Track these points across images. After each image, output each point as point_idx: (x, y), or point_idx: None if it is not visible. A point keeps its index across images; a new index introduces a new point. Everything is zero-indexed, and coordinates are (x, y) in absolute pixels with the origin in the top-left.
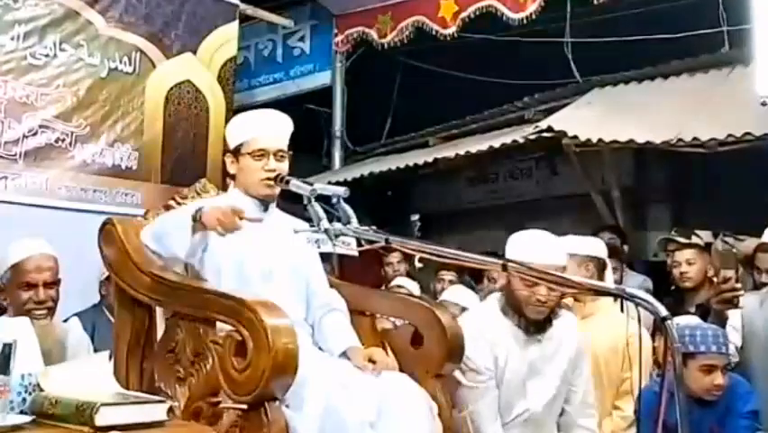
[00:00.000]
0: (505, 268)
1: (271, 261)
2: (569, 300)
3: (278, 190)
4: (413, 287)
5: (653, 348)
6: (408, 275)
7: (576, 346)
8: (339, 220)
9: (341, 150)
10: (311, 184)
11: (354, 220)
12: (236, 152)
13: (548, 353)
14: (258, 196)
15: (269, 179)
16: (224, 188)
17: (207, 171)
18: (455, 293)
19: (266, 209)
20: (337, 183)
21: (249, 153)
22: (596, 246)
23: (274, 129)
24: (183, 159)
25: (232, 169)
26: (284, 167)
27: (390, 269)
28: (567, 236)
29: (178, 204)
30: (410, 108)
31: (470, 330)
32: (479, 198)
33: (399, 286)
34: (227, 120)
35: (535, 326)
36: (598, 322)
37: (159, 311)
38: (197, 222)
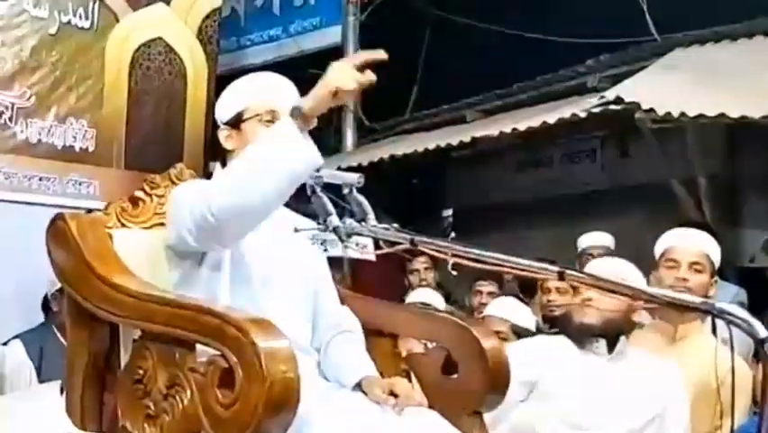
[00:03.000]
0: (562, 277)
1: (271, 265)
2: (644, 318)
3: None
4: (437, 301)
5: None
6: (439, 286)
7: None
8: (352, 216)
9: (354, 127)
10: (316, 170)
11: (371, 216)
12: (235, 123)
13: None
14: None
15: None
16: (207, 175)
17: (185, 154)
18: (504, 307)
19: None
20: (349, 169)
21: (256, 117)
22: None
23: (286, 91)
24: (153, 138)
25: (228, 144)
26: None
27: (416, 278)
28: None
29: (148, 195)
30: (442, 74)
31: None
32: (528, 187)
33: (424, 304)
34: (210, 88)
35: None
36: (687, 349)
37: (123, 331)
38: (300, 113)
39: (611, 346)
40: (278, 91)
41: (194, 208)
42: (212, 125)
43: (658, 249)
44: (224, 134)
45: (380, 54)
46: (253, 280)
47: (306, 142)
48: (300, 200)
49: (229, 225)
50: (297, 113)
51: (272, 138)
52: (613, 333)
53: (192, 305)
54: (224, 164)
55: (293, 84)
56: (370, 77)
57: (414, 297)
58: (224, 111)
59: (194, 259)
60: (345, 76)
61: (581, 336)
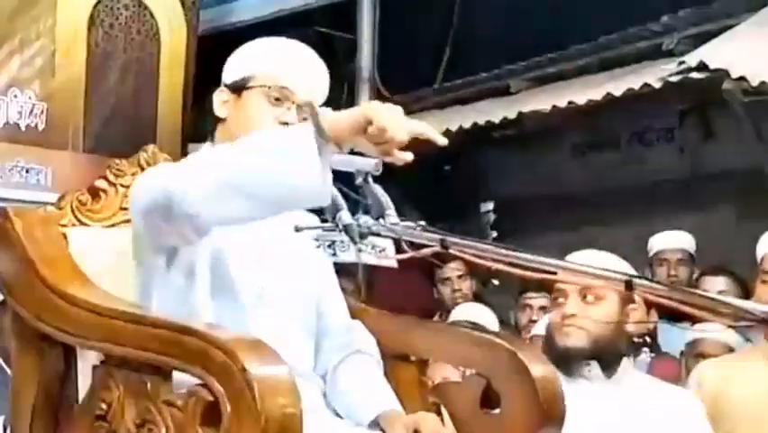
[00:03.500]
0: (630, 286)
1: (263, 274)
2: (729, 338)
3: None
4: (488, 318)
5: None
6: (476, 298)
7: None
8: (367, 211)
9: (369, 99)
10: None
11: (392, 211)
12: (238, 87)
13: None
14: None
15: None
16: None
17: (158, 133)
18: None
19: None
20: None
21: (262, 88)
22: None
23: (311, 71)
24: (119, 113)
25: (222, 110)
26: None
27: (448, 288)
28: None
29: (112, 185)
30: (480, 33)
31: None
32: (589, 176)
33: (471, 323)
34: (189, 51)
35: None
36: None
37: (81, 355)
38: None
39: (606, 368)
40: (299, 67)
41: (154, 186)
42: (192, 97)
43: (759, 254)
44: (220, 98)
45: (441, 140)
46: (240, 293)
47: (323, 167)
48: None
49: (192, 216)
50: (316, 120)
51: (282, 140)
52: (609, 354)
53: (167, 322)
54: (212, 138)
55: (322, 65)
56: (407, 156)
57: (459, 314)
58: (229, 71)
59: (161, 266)
60: (395, 117)
61: (569, 362)
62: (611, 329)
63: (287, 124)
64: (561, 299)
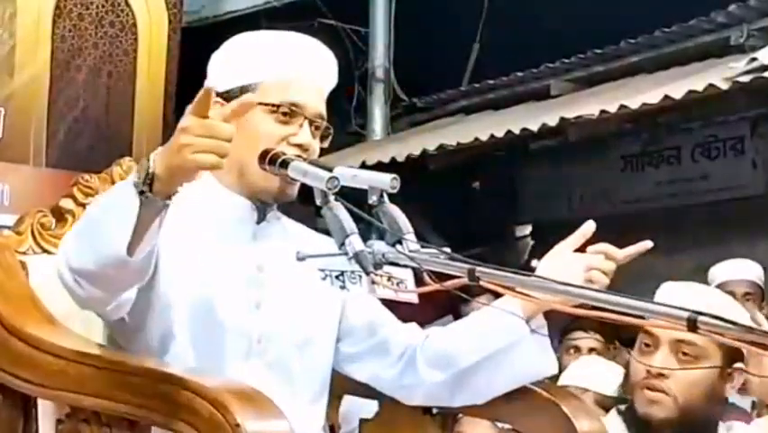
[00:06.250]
0: (694, 327)
1: (260, 317)
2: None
3: (296, 189)
4: None
5: None
6: None
7: None
8: (381, 237)
9: (385, 103)
10: (329, 169)
11: (411, 236)
12: (234, 99)
13: None
14: (258, 192)
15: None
16: None
17: (135, 144)
18: (610, 372)
19: (262, 217)
20: (378, 166)
21: (265, 105)
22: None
23: (319, 72)
24: (88, 122)
25: None
26: (316, 147)
27: None
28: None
29: (80, 205)
30: (515, 26)
31: None
32: (645, 194)
33: None
34: (171, 47)
35: None
36: None
37: (43, 406)
38: (145, 181)
39: None
40: (311, 73)
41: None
42: (176, 102)
43: None
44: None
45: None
46: (230, 342)
47: (122, 222)
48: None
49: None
50: (147, 171)
51: (109, 200)
52: (699, 427)
53: (146, 369)
54: None
55: (335, 66)
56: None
57: None
58: (221, 75)
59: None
60: (180, 152)
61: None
62: (707, 396)
63: (300, 146)
64: (649, 346)
